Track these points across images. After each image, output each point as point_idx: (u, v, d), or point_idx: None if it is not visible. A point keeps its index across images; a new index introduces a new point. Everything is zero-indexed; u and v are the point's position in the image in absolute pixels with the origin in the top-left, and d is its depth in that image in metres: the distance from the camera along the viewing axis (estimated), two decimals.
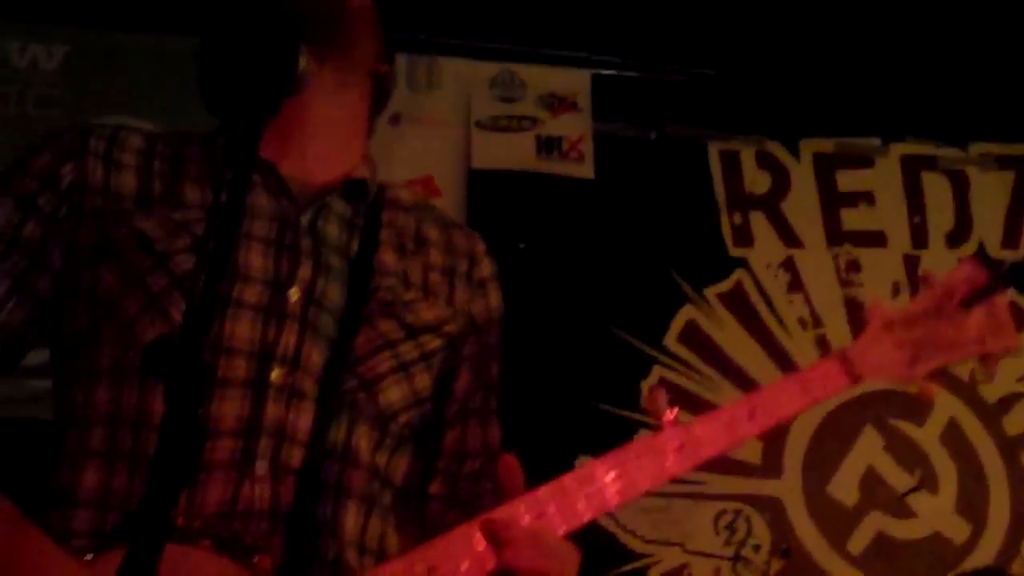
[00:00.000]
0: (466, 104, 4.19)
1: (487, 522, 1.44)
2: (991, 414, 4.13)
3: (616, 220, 4.14)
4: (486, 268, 1.81)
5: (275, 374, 1.53)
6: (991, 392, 4.14)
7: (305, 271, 1.60)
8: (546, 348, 3.88)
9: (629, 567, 3.82)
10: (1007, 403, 4.15)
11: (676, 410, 1.54)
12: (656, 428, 1.54)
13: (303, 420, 1.52)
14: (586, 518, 1.49)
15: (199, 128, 1.77)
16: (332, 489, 1.54)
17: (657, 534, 3.84)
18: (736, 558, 3.88)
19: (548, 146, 4.19)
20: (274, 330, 1.55)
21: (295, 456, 1.51)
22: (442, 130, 4.15)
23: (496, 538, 1.43)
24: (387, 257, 1.70)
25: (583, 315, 4.00)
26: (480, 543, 1.43)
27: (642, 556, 3.83)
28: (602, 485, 1.50)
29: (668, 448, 1.52)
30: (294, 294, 1.58)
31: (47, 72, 3.91)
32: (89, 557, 1.37)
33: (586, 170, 4.19)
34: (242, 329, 1.53)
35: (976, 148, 4.47)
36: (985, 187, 4.43)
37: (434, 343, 1.66)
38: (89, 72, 3.92)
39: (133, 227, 1.56)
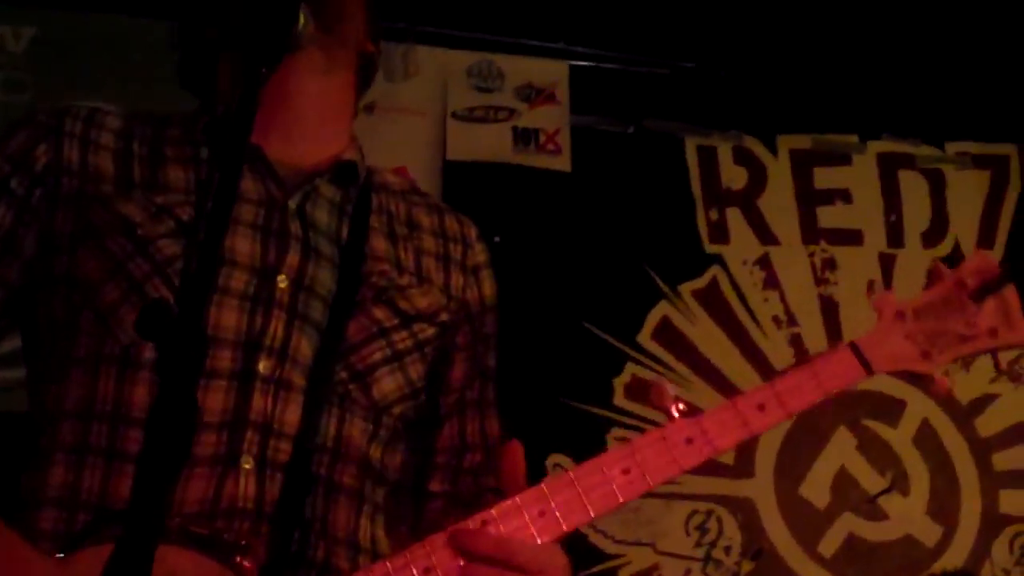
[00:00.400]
0: (442, 94, 4.13)
1: (455, 533, 1.39)
2: (964, 415, 4.12)
3: (592, 214, 4.10)
4: (480, 254, 1.78)
5: (262, 365, 1.48)
6: (964, 393, 4.13)
7: (293, 257, 1.55)
8: (518, 343, 3.82)
9: (599, 568, 3.78)
10: (980, 404, 4.14)
11: (684, 404, 1.50)
12: (665, 421, 1.50)
13: (291, 413, 1.48)
14: (592, 514, 1.44)
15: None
16: (322, 485, 1.49)
17: (628, 534, 3.81)
18: (707, 559, 3.86)
19: (525, 138, 4.14)
20: (261, 319, 1.50)
21: (283, 451, 1.46)
22: (418, 120, 4.09)
23: (466, 550, 1.38)
24: (379, 242, 1.65)
25: (557, 310, 3.96)
26: (453, 554, 1.39)
27: (612, 557, 3.80)
28: (609, 478, 1.45)
29: (677, 441, 1.48)
30: (282, 281, 1.53)
31: (14, 55, 3.82)
32: (60, 555, 1.32)
33: (563, 163, 4.14)
34: (228, 317, 1.49)
35: (953, 147, 4.44)
36: (962, 186, 4.41)
37: (428, 331, 1.62)
38: (57, 55, 3.83)
39: (114, 211, 1.52)
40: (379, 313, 1.58)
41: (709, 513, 3.90)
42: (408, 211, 1.74)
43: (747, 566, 3.75)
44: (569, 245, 4.04)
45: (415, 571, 1.39)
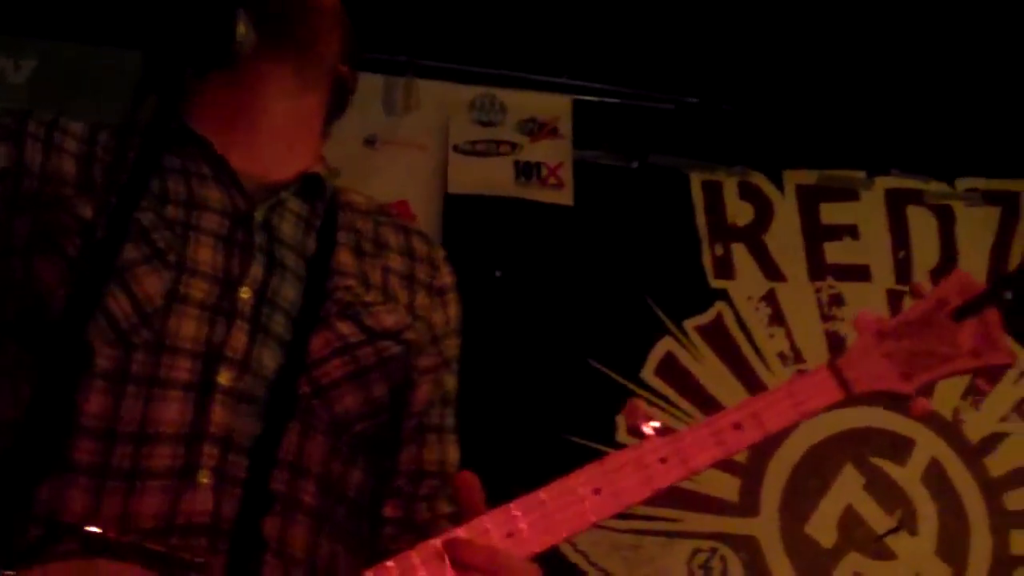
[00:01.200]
0: (444, 128, 4.11)
1: (451, 542, 1.36)
2: (974, 454, 4.04)
3: (595, 249, 4.06)
4: (447, 276, 1.76)
5: (223, 376, 1.45)
6: (974, 432, 4.06)
7: (257, 269, 1.53)
8: (520, 378, 3.80)
9: None
10: (990, 443, 4.06)
11: (659, 423, 1.47)
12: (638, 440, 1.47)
13: (251, 426, 1.44)
14: (562, 535, 1.41)
15: None
16: (281, 502, 1.45)
17: (630, 573, 3.74)
18: None
19: (527, 172, 4.11)
20: (222, 329, 1.47)
21: (241, 465, 1.42)
22: (419, 154, 4.07)
23: (458, 560, 1.34)
24: (346, 258, 1.63)
25: (559, 345, 3.91)
26: (441, 564, 1.35)
27: None
28: (580, 498, 1.42)
29: (651, 460, 1.45)
30: (245, 292, 1.50)
31: (14, 86, 3.83)
32: (11, 572, 1.27)
33: (565, 197, 4.11)
34: (188, 327, 1.45)
35: (962, 183, 4.40)
36: (971, 222, 4.36)
37: (393, 350, 1.59)
38: (58, 86, 3.83)
39: (73, 214, 1.48)
40: (344, 328, 1.55)
41: (713, 551, 3.83)
42: (375, 230, 1.72)
43: None
44: (572, 280, 4.01)
45: None
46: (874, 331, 1.61)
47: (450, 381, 1.75)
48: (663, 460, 1.45)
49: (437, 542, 1.36)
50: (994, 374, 1.63)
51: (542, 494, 1.41)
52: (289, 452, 1.47)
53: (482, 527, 1.38)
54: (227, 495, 1.40)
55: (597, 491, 1.43)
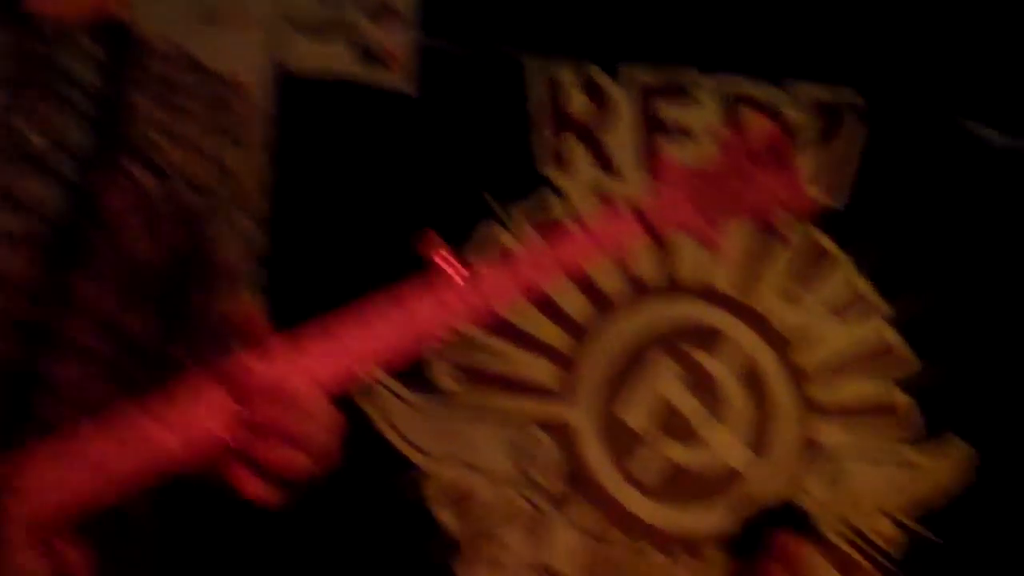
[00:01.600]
0: (284, 5, 4.04)
1: (225, 373, 1.35)
2: (785, 346, 4.19)
3: (432, 136, 4.05)
4: (254, 126, 1.73)
5: (4, 218, 1.42)
6: (786, 323, 4.20)
7: (45, 109, 1.49)
8: (350, 262, 3.80)
9: (408, 481, 3.79)
10: (801, 336, 4.21)
11: (456, 260, 1.50)
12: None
13: (32, 267, 1.42)
14: (354, 368, 1.41)
15: None
16: (59, 343, 1.43)
17: (441, 450, 3.82)
18: (524, 482, 3.87)
19: (367, 55, 4.08)
20: (7, 171, 1.44)
21: (19, 305, 1.41)
22: (256, 30, 4.00)
23: (236, 391, 1.34)
24: (142, 103, 1.58)
25: (390, 231, 3.90)
26: (220, 397, 1.34)
27: (423, 471, 3.81)
28: (375, 333, 1.43)
29: (450, 293, 1.47)
30: (31, 133, 1.47)
31: None
32: None
33: (405, 82, 4.09)
34: None
35: (798, 89, 4.46)
36: (806, 129, 4.43)
37: (188, 194, 1.57)
38: None
39: None
40: (136, 172, 1.52)
41: (528, 435, 3.91)
42: (177, 75, 1.67)
43: (565, 490, 3.78)
44: (408, 167, 4.00)
45: (153, 429, 1.33)
46: (677, 175, 1.64)
47: (251, 230, 1.72)
48: (464, 294, 1.48)
49: (225, 372, 1.36)
50: (792, 219, 1.69)
51: (334, 327, 1.41)
52: (71, 294, 1.45)
53: (270, 356, 1.37)
54: (5, 337, 1.39)
55: (391, 325, 1.43)
